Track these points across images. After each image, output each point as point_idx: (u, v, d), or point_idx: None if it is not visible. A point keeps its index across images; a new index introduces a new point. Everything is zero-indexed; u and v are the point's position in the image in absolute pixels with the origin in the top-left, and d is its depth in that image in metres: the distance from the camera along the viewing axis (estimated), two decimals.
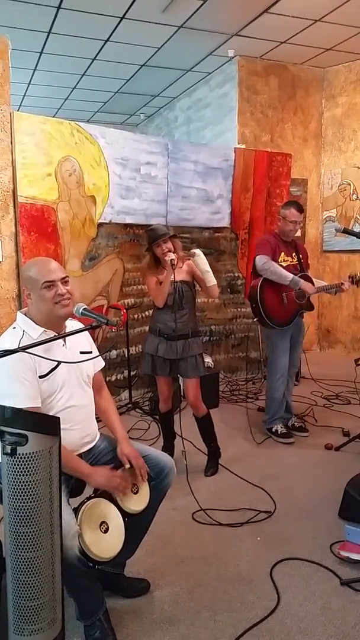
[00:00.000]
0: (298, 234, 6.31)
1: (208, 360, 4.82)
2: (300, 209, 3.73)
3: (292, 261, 3.79)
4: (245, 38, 5.36)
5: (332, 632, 1.93)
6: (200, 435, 3.35)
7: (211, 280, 3.19)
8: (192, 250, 3.22)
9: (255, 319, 3.87)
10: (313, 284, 3.78)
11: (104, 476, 1.85)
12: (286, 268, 3.70)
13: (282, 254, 3.74)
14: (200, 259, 3.17)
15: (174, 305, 3.11)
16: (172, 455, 3.22)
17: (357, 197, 6.21)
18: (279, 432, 3.83)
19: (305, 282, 3.70)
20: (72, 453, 1.90)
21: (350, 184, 6.27)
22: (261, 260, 3.64)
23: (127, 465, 1.94)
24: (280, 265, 3.69)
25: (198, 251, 3.19)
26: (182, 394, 4.59)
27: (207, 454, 3.35)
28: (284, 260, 3.74)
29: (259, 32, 5.24)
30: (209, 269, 3.20)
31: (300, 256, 3.84)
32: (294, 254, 3.81)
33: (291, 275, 3.63)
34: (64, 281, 1.90)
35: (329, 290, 3.85)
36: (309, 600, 2.10)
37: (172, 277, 3.02)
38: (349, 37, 5.37)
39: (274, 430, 3.86)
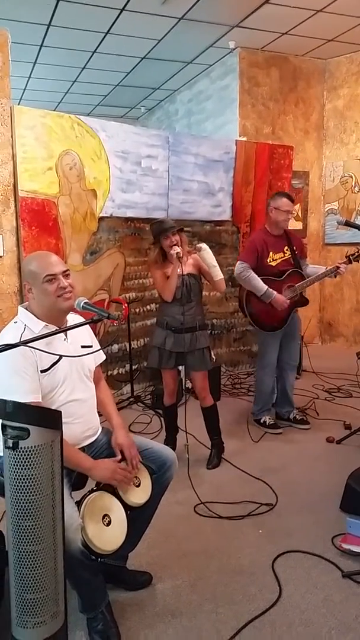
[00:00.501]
0: (300, 226, 6.35)
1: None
2: (292, 199, 3.71)
3: (284, 256, 3.74)
4: (246, 29, 5.32)
5: (334, 624, 1.94)
6: (205, 426, 3.35)
7: (218, 274, 3.21)
8: (198, 245, 3.22)
9: (250, 327, 3.88)
10: (305, 277, 3.75)
11: (106, 469, 1.85)
12: (278, 265, 3.70)
13: (271, 253, 3.69)
14: (207, 253, 3.19)
15: (182, 299, 3.11)
16: (174, 448, 3.23)
17: (359, 189, 6.18)
18: (267, 423, 3.86)
19: (279, 296, 3.61)
20: (74, 447, 1.90)
21: (352, 176, 6.25)
22: (239, 268, 3.64)
23: (119, 456, 1.94)
24: (270, 265, 3.68)
25: (204, 246, 3.20)
26: (184, 387, 4.60)
27: (210, 447, 3.36)
28: (273, 260, 3.70)
29: (260, 24, 5.20)
30: (216, 263, 3.21)
31: (294, 247, 3.79)
32: (286, 247, 3.75)
33: (264, 289, 3.59)
34: (65, 274, 1.90)
35: (325, 276, 3.74)
36: (310, 593, 2.11)
37: (180, 270, 3.02)
38: (351, 27, 5.33)
39: (262, 421, 3.89)
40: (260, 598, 2.09)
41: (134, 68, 6.42)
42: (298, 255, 3.81)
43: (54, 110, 6.50)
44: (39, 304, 1.90)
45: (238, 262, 3.68)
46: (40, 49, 5.71)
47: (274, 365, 3.86)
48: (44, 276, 1.85)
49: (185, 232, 3.27)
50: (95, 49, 5.78)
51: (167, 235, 3.08)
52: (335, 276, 3.74)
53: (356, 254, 3.65)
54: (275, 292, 3.61)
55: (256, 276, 3.61)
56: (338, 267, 3.64)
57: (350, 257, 3.65)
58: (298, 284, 3.70)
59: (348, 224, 3.68)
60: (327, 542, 2.43)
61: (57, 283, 1.86)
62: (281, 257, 3.73)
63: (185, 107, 7.25)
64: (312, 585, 2.16)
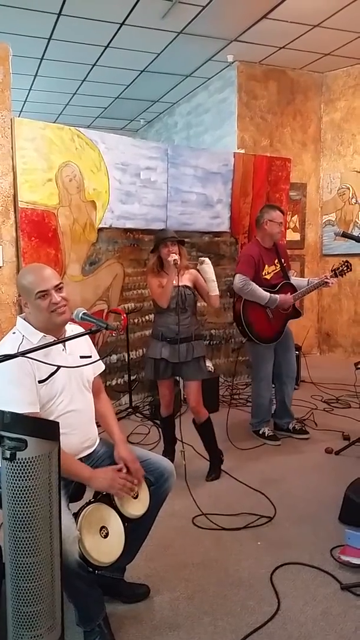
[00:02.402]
0: (297, 237, 6.39)
1: (208, 364, 4.82)
2: (282, 211, 3.78)
3: (276, 269, 3.78)
4: (244, 43, 5.39)
5: (333, 638, 1.92)
6: (201, 441, 3.34)
7: (215, 290, 3.25)
8: (201, 258, 3.26)
9: (244, 340, 3.89)
10: (295, 290, 3.78)
11: (105, 478, 1.84)
12: (272, 278, 3.73)
13: (265, 266, 3.72)
14: (209, 267, 3.24)
15: (177, 309, 3.13)
16: (172, 460, 3.22)
17: (357, 201, 6.22)
18: (265, 435, 3.86)
19: (283, 296, 3.67)
20: (73, 457, 1.89)
21: (349, 188, 6.29)
22: (240, 281, 3.64)
23: (124, 470, 1.93)
24: (265, 278, 3.71)
25: (207, 260, 3.25)
26: (182, 398, 4.60)
27: (208, 459, 3.34)
28: (267, 273, 3.73)
29: (258, 38, 5.27)
30: (215, 279, 3.26)
31: (282, 260, 3.82)
32: (276, 260, 3.79)
33: (268, 296, 3.62)
34: (58, 288, 1.89)
35: (314, 289, 3.79)
36: (309, 605, 2.10)
37: (176, 278, 3.05)
38: (348, 42, 5.40)
39: (260, 432, 3.89)
40: (258, 611, 2.07)
41: (133, 81, 6.49)
42: (285, 267, 3.85)
43: (54, 122, 6.55)
44: (35, 317, 1.90)
45: (237, 275, 3.68)
46: (40, 61, 5.78)
47: (270, 377, 3.87)
48: (36, 292, 1.85)
49: (185, 244, 3.29)
50: (95, 62, 5.84)
51: (165, 243, 3.10)
52: (320, 289, 3.83)
53: (340, 268, 3.71)
54: (278, 296, 3.65)
55: (257, 287, 3.63)
56: (326, 282, 3.69)
57: (336, 270, 3.71)
58: (291, 296, 3.74)
59: (345, 235, 3.70)
60: (326, 553, 2.42)
61: (50, 299, 1.86)
62: (274, 270, 3.78)
63: (184, 119, 7.32)
64: (310, 597, 2.14)
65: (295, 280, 3.92)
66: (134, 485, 1.89)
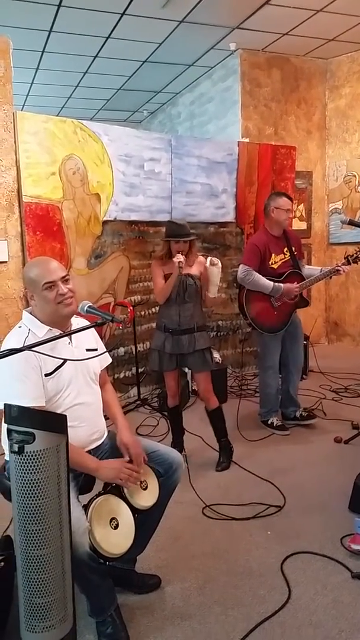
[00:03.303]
0: (304, 226, 6.34)
1: (216, 355, 4.82)
2: (290, 198, 3.72)
3: (285, 257, 3.74)
4: (246, 31, 5.33)
5: (344, 626, 1.93)
6: (212, 429, 3.34)
7: (214, 293, 3.25)
8: (214, 259, 3.20)
9: (248, 330, 3.86)
10: (303, 278, 3.74)
11: (112, 469, 1.85)
12: (279, 267, 3.69)
13: (272, 255, 3.69)
14: (218, 270, 3.20)
15: (177, 299, 3.12)
16: (181, 451, 3.23)
17: None
18: (274, 425, 3.86)
19: (287, 285, 3.62)
20: (79, 448, 1.90)
21: (355, 176, 6.23)
22: (242, 271, 3.63)
23: (126, 457, 1.94)
24: (272, 267, 3.67)
25: (219, 264, 3.20)
26: (190, 390, 4.60)
27: (218, 449, 3.35)
28: (274, 262, 3.69)
29: (261, 24, 5.20)
30: (218, 283, 3.24)
31: (293, 248, 3.78)
32: (285, 248, 3.75)
33: (271, 285, 3.59)
34: (65, 280, 1.90)
35: (324, 277, 3.71)
36: (320, 594, 2.10)
37: (177, 276, 3.04)
38: (352, 27, 5.32)
39: (269, 422, 3.89)
40: (269, 600, 2.08)
41: (135, 72, 6.44)
42: (297, 256, 3.81)
43: (57, 115, 6.54)
44: (41, 310, 1.91)
45: (241, 265, 3.67)
46: (42, 54, 5.75)
47: (277, 367, 3.85)
48: (43, 284, 1.85)
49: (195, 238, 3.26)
50: (97, 54, 5.80)
51: (178, 240, 3.09)
52: (331, 277, 3.72)
53: (355, 255, 3.60)
54: (282, 285, 3.62)
55: (260, 276, 3.61)
56: (338, 269, 3.60)
57: (349, 257, 3.60)
58: (298, 285, 3.69)
59: (352, 222, 3.67)
60: (336, 542, 2.42)
61: (57, 290, 1.86)
62: (282, 259, 3.74)
63: (188, 109, 7.26)
64: (321, 586, 2.15)
65: (308, 269, 3.87)
66: (140, 476, 1.90)
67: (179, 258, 3.02)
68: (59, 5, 4.60)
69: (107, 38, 5.36)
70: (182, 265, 3.01)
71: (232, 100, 6.08)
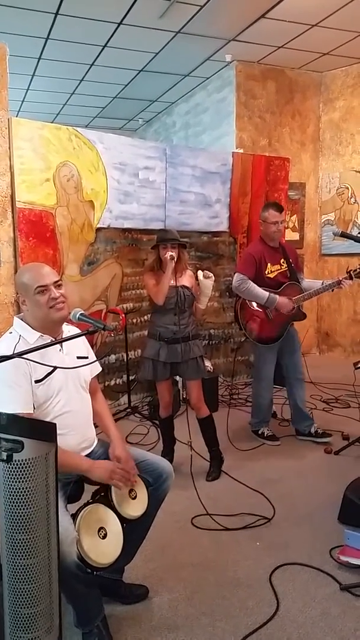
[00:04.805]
0: (297, 237, 6.38)
1: (207, 364, 4.82)
2: (280, 209, 3.65)
3: (281, 268, 3.71)
4: (242, 43, 5.38)
5: (332, 638, 1.92)
6: (202, 437, 3.33)
7: (204, 304, 3.30)
8: (208, 272, 3.24)
9: (242, 339, 3.86)
10: (301, 290, 3.70)
11: (105, 469, 1.85)
12: (275, 278, 3.67)
13: (269, 264, 3.66)
14: (210, 283, 3.24)
15: (176, 308, 3.12)
16: (171, 460, 3.22)
17: (355, 200, 6.22)
18: (265, 435, 3.85)
19: (283, 298, 3.59)
20: (70, 451, 1.89)
21: (348, 188, 6.28)
22: (237, 280, 3.61)
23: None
24: (268, 277, 3.65)
25: (212, 278, 3.25)
26: (181, 398, 4.59)
27: (209, 459, 3.34)
28: (271, 272, 3.66)
29: (256, 37, 5.26)
30: (209, 295, 3.29)
31: (290, 260, 3.76)
32: (282, 260, 3.72)
33: (266, 295, 3.56)
34: (57, 285, 1.90)
35: (325, 290, 3.66)
36: (308, 606, 2.09)
37: (171, 274, 3.07)
38: (346, 41, 5.39)
39: (260, 432, 3.88)
40: (257, 611, 2.07)
41: (131, 81, 6.48)
42: (294, 268, 3.78)
43: (52, 122, 6.55)
44: (33, 315, 1.90)
45: (236, 274, 3.66)
46: (38, 61, 5.76)
47: (271, 378, 3.83)
48: (35, 288, 1.85)
49: (183, 243, 3.28)
50: (93, 62, 5.83)
51: (165, 245, 3.10)
52: (333, 290, 3.66)
53: (357, 270, 3.53)
54: (277, 296, 3.59)
55: (255, 285, 3.58)
56: (340, 282, 3.54)
57: (352, 272, 3.52)
58: (296, 298, 3.67)
59: (344, 235, 3.66)
60: (325, 554, 2.41)
61: (49, 294, 1.86)
62: (278, 270, 3.71)
63: (183, 119, 7.31)
64: (310, 598, 2.14)
65: (307, 282, 3.81)
66: (132, 477, 1.89)
67: (169, 253, 3.07)
68: (57, 13, 4.63)
69: (104, 47, 5.39)
70: (174, 258, 3.06)
71: (227, 111, 6.13)
